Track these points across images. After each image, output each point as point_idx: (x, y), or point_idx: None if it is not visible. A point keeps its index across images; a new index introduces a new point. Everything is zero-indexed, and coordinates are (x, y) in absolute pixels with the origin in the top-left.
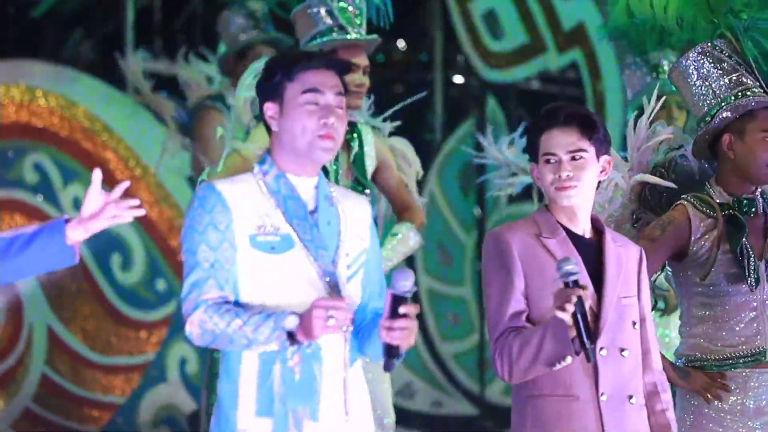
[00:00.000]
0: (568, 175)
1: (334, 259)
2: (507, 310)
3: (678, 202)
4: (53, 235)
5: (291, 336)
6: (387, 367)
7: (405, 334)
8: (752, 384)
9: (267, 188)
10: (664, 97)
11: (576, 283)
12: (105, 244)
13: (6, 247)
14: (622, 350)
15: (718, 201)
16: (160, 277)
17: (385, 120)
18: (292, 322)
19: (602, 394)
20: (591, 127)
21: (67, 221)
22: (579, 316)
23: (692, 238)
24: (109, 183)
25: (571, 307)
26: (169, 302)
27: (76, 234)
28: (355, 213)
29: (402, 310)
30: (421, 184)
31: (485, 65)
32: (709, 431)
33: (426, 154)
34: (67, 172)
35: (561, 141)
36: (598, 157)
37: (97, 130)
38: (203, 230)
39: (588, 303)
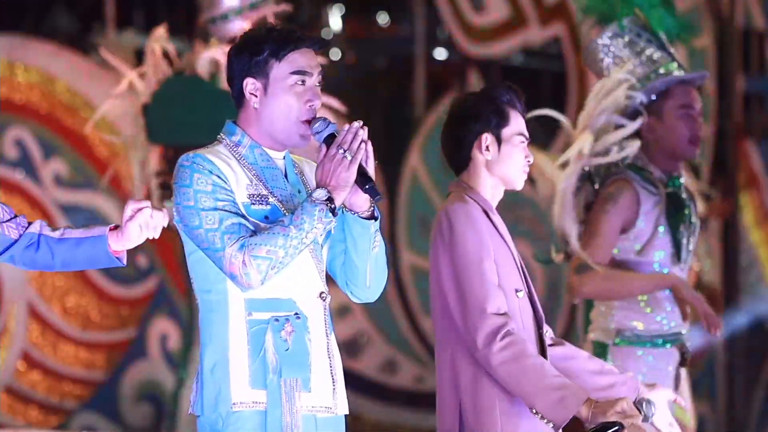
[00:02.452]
0: (530, 160)
1: None
2: (492, 285)
3: (620, 176)
4: (98, 245)
5: (330, 204)
6: (373, 194)
7: (360, 146)
8: (669, 361)
9: (244, 159)
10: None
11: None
12: (86, 219)
13: (56, 244)
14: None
15: (657, 178)
16: (141, 253)
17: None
18: (321, 193)
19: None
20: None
21: (113, 228)
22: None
23: (640, 212)
24: (89, 158)
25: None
26: (151, 278)
27: (119, 245)
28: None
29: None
30: (402, 159)
31: (467, 39)
32: None
33: (408, 129)
34: (48, 148)
35: (524, 125)
36: None
37: (77, 106)
38: (213, 190)
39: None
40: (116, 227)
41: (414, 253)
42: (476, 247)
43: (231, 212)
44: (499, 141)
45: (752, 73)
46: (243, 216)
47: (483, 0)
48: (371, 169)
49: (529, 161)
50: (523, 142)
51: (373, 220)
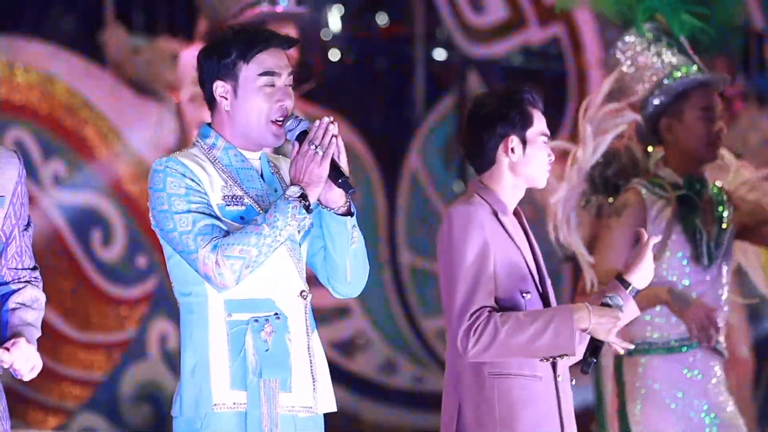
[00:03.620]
0: (551, 158)
1: None
2: (481, 287)
3: (629, 186)
4: None
5: (304, 201)
6: (347, 187)
7: (332, 141)
8: (701, 363)
9: (218, 161)
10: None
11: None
12: (85, 219)
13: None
14: None
15: (669, 182)
16: (141, 253)
17: (366, 96)
18: (294, 190)
19: (558, 375)
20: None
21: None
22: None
23: (648, 220)
24: (89, 159)
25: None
26: (150, 278)
27: None
28: None
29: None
30: (402, 159)
31: (467, 40)
32: (660, 417)
33: (407, 129)
34: (48, 149)
35: (546, 124)
36: None
37: (77, 106)
38: (186, 193)
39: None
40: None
41: (413, 253)
42: (470, 249)
43: (204, 214)
44: (524, 142)
45: (752, 73)
46: (217, 217)
47: (482, 0)
48: (344, 164)
49: (551, 159)
50: (546, 141)
51: (349, 216)
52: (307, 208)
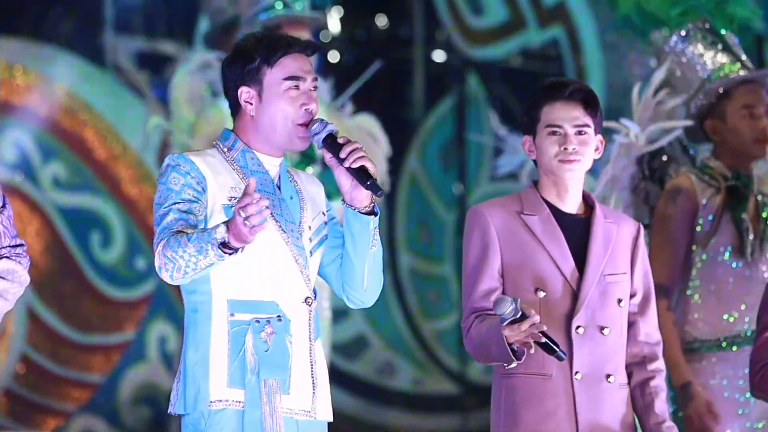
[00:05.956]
0: (574, 149)
1: (300, 232)
2: (478, 288)
3: (679, 173)
4: None
5: (225, 245)
6: (375, 189)
7: (358, 153)
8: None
9: (235, 162)
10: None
11: (522, 316)
12: (85, 222)
13: None
14: (602, 328)
15: (718, 172)
16: (140, 256)
17: (364, 98)
18: (221, 232)
19: (576, 372)
20: (594, 104)
21: None
22: (542, 339)
23: (699, 207)
24: (89, 161)
25: (531, 344)
26: (149, 280)
27: None
28: (311, 188)
29: (340, 141)
30: (401, 161)
31: (466, 42)
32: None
33: (406, 131)
34: (47, 151)
35: (567, 114)
36: (595, 134)
37: (76, 108)
38: (180, 189)
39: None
40: None
41: (413, 255)
42: (471, 250)
43: (181, 211)
44: (535, 139)
45: None
46: (193, 213)
47: (481, 2)
48: (371, 166)
49: (566, 149)
50: (555, 132)
51: (372, 216)
52: (226, 246)
